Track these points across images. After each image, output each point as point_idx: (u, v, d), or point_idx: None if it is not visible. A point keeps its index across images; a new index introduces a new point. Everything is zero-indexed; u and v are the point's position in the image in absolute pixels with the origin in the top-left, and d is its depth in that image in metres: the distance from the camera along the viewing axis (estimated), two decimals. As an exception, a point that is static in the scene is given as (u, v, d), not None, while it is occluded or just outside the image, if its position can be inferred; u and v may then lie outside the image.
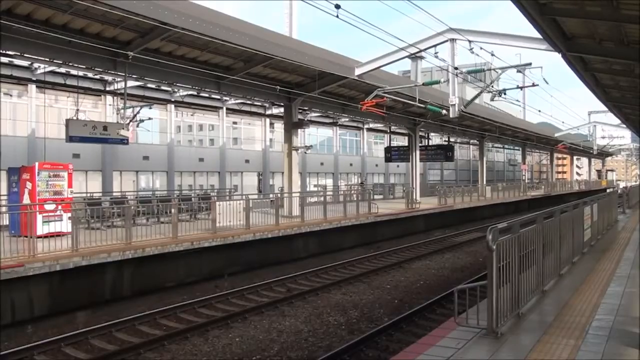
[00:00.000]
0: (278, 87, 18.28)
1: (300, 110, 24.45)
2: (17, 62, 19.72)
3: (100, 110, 25.09)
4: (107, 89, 24.33)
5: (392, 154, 32.26)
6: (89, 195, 22.38)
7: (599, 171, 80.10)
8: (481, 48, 15.96)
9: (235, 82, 17.81)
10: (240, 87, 18.50)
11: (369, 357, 8.63)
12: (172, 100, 28.27)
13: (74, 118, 16.38)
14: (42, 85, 21.32)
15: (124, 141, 16.25)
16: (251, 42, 14.67)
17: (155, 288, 12.89)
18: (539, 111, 69.37)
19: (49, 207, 13.28)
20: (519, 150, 52.83)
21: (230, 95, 24.18)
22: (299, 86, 20.08)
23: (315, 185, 39.26)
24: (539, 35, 12.27)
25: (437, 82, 19.13)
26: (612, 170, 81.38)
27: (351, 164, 43.74)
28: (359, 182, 41.33)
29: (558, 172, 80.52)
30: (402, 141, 40.41)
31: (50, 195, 13.81)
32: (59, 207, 13.52)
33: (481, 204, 32.60)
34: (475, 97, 21.00)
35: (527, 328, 5.93)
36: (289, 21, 33.58)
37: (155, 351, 9.12)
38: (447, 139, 38.06)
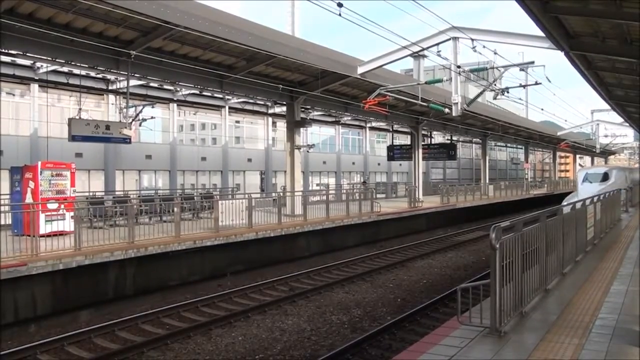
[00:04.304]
0: (280, 85, 18.28)
1: (303, 109, 24.42)
2: (19, 61, 19.72)
3: (102, 110, 25.11)
4: (110, 88, 24.34)
5: (395, 153, 32.24)
6: (91, 194, 22.42)
7: (601, 170, 79.50)
8: (484, 46, 15.93)
9: (238, 81, 17.81)
10: (243, 86, 18.50)
11: (372, 356, 8.63)
12: (175, 99, 28.27)
13: (77, 117, 16.41)
14: (45, 84, 21.33)
15: (126, 140, 16.26)
16: (253, 41, 14.66)
17: (158, 287, 12.90)
18: (542, 110, 69.25)
19: (52, 206, 13.29)
20: (521, 148, 52.72)
21: (233, 94, 24.18)
22: (302, 85, 20.07)
23: (317, 184, 39.27)
24: (542, 34, 12.25)
25: (440, 81, 19.10)
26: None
27: (353, 163, 43.70)
28: (362, 180, 41.33)
29: (561, 171, 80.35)
30: (404, 140, 40.37)
31: (53, 195, 13.84)
32: (62, 206, 13.53)
33: (484, 202, 32.55)
34: (478, 95, 20.96)
35: (531, 327, 5.92)
36: (291, 20, 33.61)
37: (158, 350, 9.14)
38: (449, 138, 38.00)
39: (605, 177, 23.69)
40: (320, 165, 40.03)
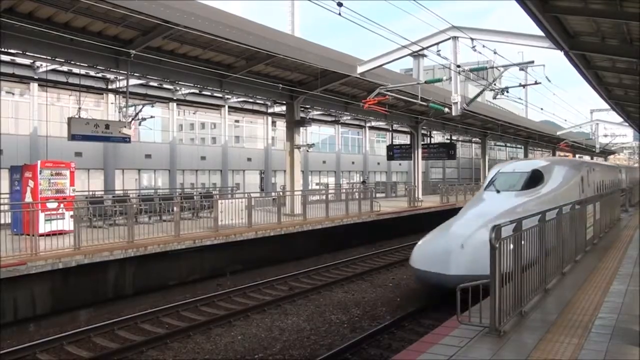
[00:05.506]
0: (280, 85, 18.27)
1: (302, 109, 24.41)
2: (19, 60, 19.73)
3: (102, 109, 25.12)
4: (109, 87, 24.35)
5: (394, 152, 32.21)
6: (91, 193, 22.41)
7: (601, 169, 79.46)
8: (484, 46, 15.89)
9: (238, 81, 17.80)
10: (243, 86, 18.49)
11: (371, 356, 8.62)
12: (174, 98, 28.27)
13: (76, 116, 16.39)
14: (44, 83, 21.32)
15: (126, 139, 16.25)
16: (253, 41, 14.65)
17: (158, 286, 12.89)
18: (542, 109, 69.02)
19: (51, 205, 13.28)
20: (521, 148, 52.67)
21: (233, 94, 24.18)
22: (301, 84, 20.06)
23: (317, 184, 39.26)
24: (541, 33, 12.24)
25: (440, 80, 19.07)
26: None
27: (353, 162, 43.72)
28: (361, 180, 41.33)
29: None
30: (404, 139, 40.35)
31: (53, 194, 13.82)
32: (61, 205, 13.52)
33: (483, 202, 32.46)
34: (478, 95, 20.91)
35: (530, 326, 5.92)
36: (291, 20, 33.61)
37: (158, 349, 9.13)
38: (449, 137, 37.97)
39: (533, 180, 13.31)
40: (320, 165, 40.04)
